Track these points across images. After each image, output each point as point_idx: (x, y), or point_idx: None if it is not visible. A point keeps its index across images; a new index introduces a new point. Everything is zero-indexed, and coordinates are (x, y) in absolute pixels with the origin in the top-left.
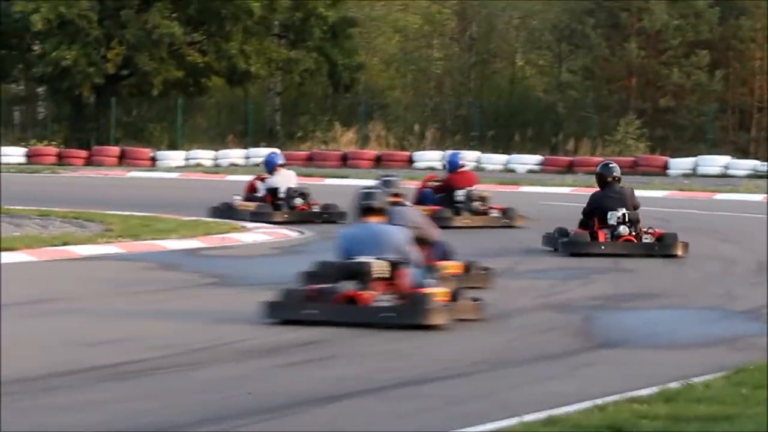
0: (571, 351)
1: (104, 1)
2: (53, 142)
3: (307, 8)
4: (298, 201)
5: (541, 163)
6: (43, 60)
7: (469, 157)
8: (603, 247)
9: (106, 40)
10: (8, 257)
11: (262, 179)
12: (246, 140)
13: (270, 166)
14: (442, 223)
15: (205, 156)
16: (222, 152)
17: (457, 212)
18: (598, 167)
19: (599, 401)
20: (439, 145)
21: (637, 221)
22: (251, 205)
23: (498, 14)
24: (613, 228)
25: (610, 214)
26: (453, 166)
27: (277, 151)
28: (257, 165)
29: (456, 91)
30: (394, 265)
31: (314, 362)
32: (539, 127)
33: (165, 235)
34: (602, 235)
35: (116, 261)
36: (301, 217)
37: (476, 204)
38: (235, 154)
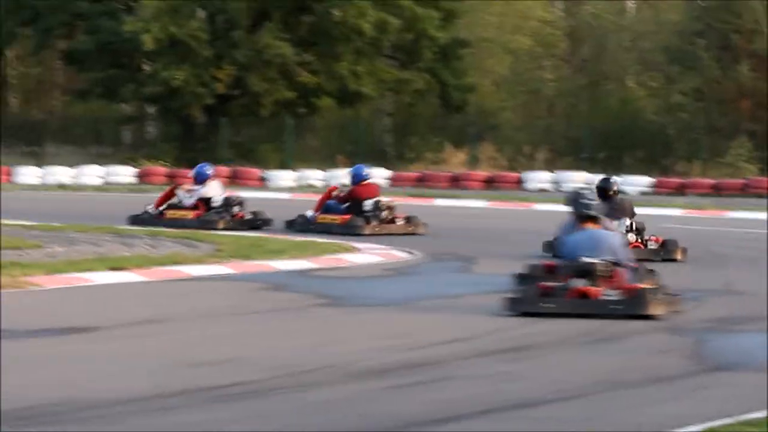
0: (686, 373)
1: (215, 22)
2: (163, 162)
3: (418, 29)
4: (236, 209)
5: (653, 185)
6: (153, 80)
7: (578, 179)
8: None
9: (217, 60)
10: (118, 277)
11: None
12: (356, 160)
13: (202, 178)
14: (353, 230)
15: (315, 176)
16: (332, 172)
17: (368, 221)
18: (599, 181)
19: (713, 423)
20: (549, 167)
21: (644, 229)
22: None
23: (609, 36)
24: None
25: (617, 224)
26: (358, 178)
27: (206, 163)
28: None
29: (567, 113)
30: (613, 265)
31: (424, 384)
32: (650, 149)
33: (275, 256)
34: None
35: (226, 282)
36: (241, 225)
37: (384, 213)
38: (345, 175)
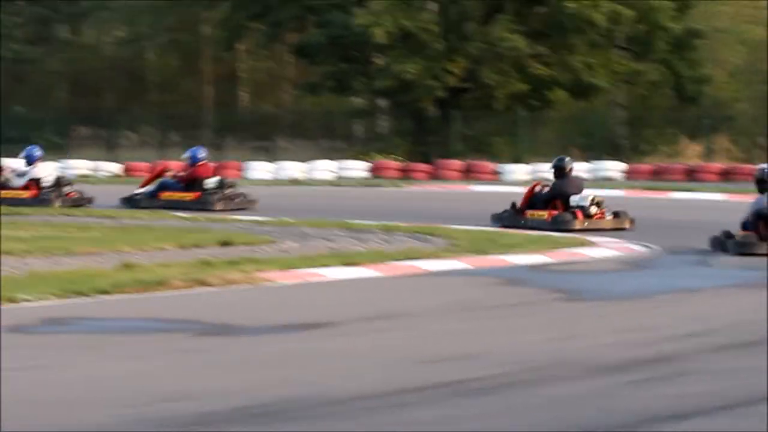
0: None
1: (447, 14)
2: (395, 157)
3: (652, 20)
4: (67, 189)
5: None
6: (384, 73)
7: None
8: (586, 224)
9: (449, 53)
10: (352, 272)
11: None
12: (589, 153)
13: (31, 160)
14: (205, 206)
15: (548, 170)
16: None
17: (218, 199)
18: (556, 161)
19: None
20: None
21: (602, 202)
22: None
23: None
24: (584, 208)
25: (579, 197)
26: (194, 160)
27: (35, 146)
28: (608, 179)
29: None
30: None
31: (662, 379)
32: None
33: (511, 250)
34: (580, 215)
35: (462, 277)
36: (73, 203)
37: (229, 191)
38: (579, 168)
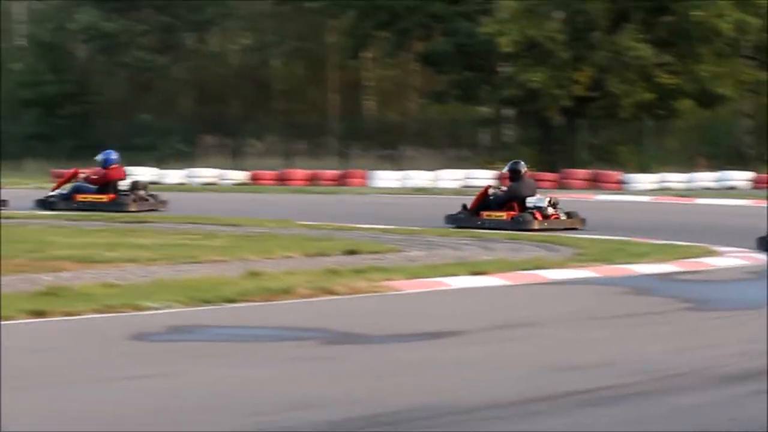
0: None
1: (573, 23)
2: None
3: None
4: (142, 192)
5: None
6: (510, 82)
7: None
8: (545, 224)
9: (575, 62)
10: (479, 281)
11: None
12: (714, 162)
13: (108, 164)
14: (121, 207)
15: (675, 179)
16: (693, 175)
17: (132, 200)
18: (511, 164)
19: None
20: None
21: (558, 203)
22: None
23: None
24: (542, 209)
25: (536, 199)
26: (108, 162)
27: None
28: (732, 188)
29: None
30: None
31: None
32: None
33: (638, 259)
34: (539, 215)
35: (589, 285)
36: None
37: (141, 192)
38: (705, 177)
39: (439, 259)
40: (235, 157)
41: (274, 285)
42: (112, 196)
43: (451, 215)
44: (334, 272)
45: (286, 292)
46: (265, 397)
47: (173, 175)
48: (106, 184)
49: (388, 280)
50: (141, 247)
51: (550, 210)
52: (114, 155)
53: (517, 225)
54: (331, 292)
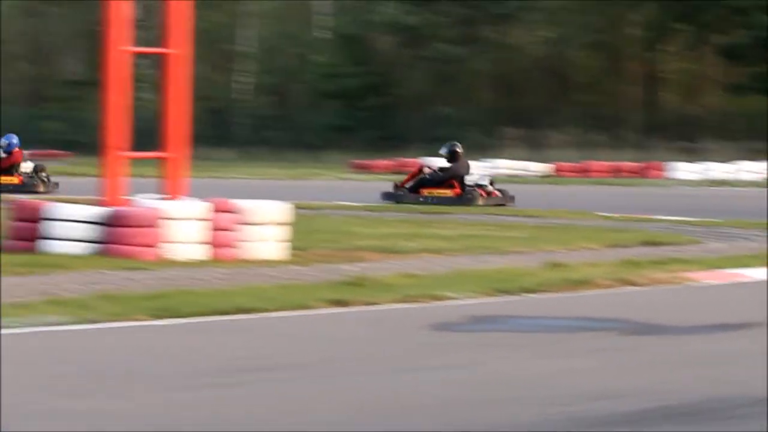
0: None
1: None
2: None
3: None
4: (489, 188)
5: None
6: None
7: None
8: (488, 201)
9: None
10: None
11: None
12: None
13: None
14: (31, 188)
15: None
16: None
17: (40, 182)
18: (449, 146)
19: None
20: None
21: (494, 182)
22: None
23: None
24: (484, 187)
25: (479, 177)
26: (10, 147)
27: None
28: None
29: None
30: None
31: None
32: None
33: None
34: (483, 192)
35: None
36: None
37: (42, 174)
38: None
39: (737, 250)
40: (534, 148)
41: (574, 276)
42: (20, 178)
43: (388, 192)
44: (633, 263)
45: (586, 283)
46: (567, 388)
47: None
48: (9, 168)
49: (686, 271)
50: (441, 238)
51: (490, 188)
52: (14, 139)
53: (463, 202)
54: (631, 283)
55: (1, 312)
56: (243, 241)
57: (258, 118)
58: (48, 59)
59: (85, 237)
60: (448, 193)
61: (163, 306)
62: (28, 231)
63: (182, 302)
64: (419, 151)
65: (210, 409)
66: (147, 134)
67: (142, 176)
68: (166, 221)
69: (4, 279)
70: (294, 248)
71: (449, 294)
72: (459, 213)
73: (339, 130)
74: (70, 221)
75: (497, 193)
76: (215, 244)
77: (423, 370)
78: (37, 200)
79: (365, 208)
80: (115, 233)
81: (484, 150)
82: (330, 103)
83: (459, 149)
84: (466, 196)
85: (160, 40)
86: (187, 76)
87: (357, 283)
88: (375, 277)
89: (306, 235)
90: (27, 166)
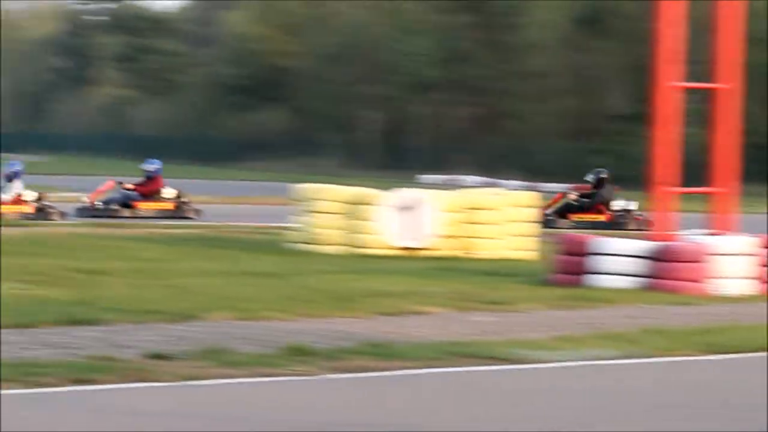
0: None
1: None
2: None
3: None
4: (637, 212)
5: None
6: None
7: None
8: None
9: None
10: None
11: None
12: None
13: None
14: (620, 226)
15: None
16: None
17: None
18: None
19: None
20: None
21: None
22: None
23: None
24: (632, 212)
25: (624, 203)
26: (157, 172)
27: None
28: None
29: None
30: None
31: None
32: None
33: None
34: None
35: None
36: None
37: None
38: None
39: None
40: None
41: None
42: (608, 216)
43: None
44: None
45: None
46: None
47: None
48: None
49: None
50: None
51: (636, 212)
52: (157, 165)
53: (617, 226)
54: None
55: (546, 345)
56: None
57: None
58: (593, 93)
59: (631, 271)
60: (600, 218)
61: (710, 341)
62: (575, 265)
63: (730, 338)
64: None
65: None
66: (693, 168)
67: (689, 211)
68: (713, 256)
69: (549, 312)
70: None
71: None
72: None
73: None
74: (616, 255)
75: (639, 217)
76: (763, 280)
77: None
78: (583, 234)
79: None
80: (662, 268)
81: None
82: None
83: (605, 175)
84: (617, 221)
85: (708, 74)
86: (737, 110)
87: None
88: None
89: None
90: (170, 192)
